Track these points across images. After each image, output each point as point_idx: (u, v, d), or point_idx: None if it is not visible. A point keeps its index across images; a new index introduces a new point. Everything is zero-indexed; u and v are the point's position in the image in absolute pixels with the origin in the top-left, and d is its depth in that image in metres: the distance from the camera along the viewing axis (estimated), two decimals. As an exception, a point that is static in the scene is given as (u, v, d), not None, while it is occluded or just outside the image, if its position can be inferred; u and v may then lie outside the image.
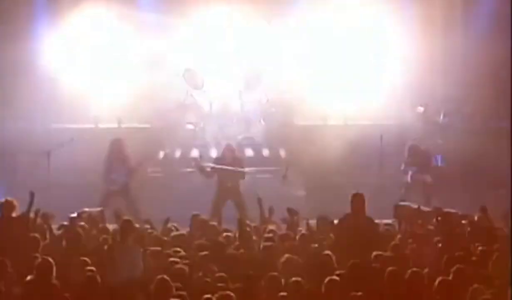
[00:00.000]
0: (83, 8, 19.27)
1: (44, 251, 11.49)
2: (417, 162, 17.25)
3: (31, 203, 12.66)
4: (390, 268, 9.96)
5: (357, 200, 12.19)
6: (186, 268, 10.59)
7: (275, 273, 10.13)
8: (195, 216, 13.76)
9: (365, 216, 12.18)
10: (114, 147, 17.12)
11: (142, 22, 19.55)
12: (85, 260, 10.96)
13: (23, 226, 12.43)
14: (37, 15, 19.12)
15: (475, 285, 9.52)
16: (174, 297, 9.48)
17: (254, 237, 12.49)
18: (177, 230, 13.07)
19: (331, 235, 12.36)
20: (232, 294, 9.18)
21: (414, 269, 9.85)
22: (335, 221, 12.45)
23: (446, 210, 13.78)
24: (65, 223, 13.35)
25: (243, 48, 19.92)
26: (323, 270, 10.22)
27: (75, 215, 13.71)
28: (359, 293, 9.29)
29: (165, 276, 9.79)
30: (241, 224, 12.54)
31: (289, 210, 13.47)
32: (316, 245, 11.84)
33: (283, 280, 10.00)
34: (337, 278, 9.77)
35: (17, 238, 12.05)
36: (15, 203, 12.61)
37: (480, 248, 11.48)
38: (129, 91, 19.23)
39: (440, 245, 11.68)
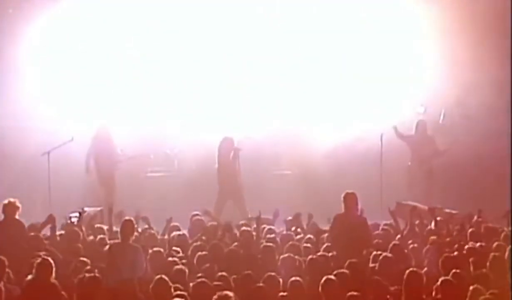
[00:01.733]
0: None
1: (45, 250, 11.51)
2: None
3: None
4: (389, 268, 9.99)
5: (349, 199, 12.28)
6: (186, 268, 10.61)
7: (274, 273, 10.17)
8: (194, 216, 13.78)
9: (357, 214, 12.27)
10: (101, 134, 17.23)
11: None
12: (84, 260, 10.98)
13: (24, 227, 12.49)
14: (27, 12, 19.04)
15: (475, 286, 9.53)
16: (173, 297, 9.50)
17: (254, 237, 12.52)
18: (178, 230, 13.09)
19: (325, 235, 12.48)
20: (230, 294, 9.16)
21: (413, 269, 9.86)
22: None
23: (446, 210, 13.80)
24: (64, 222, 13.41)
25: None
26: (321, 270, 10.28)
27: (74, 214, 13.75)
28: (356, 293, 9.31)
29: (163, 276, 9.81)
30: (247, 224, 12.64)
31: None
32: (310, 245, 11.92)
33: (281, 280, 10.04)
34: (333, 277, 9.80)
35: (20, 238, 12.09)
36: (18, 204, 12.64)
37: (479, 248, 11.50)
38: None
39: (439, 245, 11.70)
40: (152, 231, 13.00)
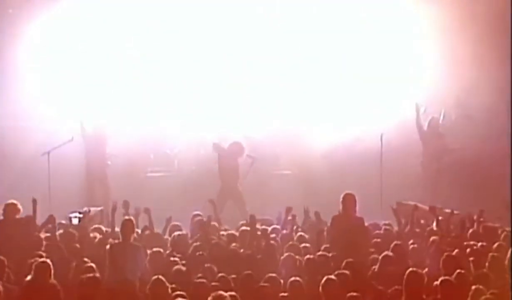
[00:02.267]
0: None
1: (46, 251, 11.51)
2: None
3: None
4: (390, 268, 9.99)
5: (348, 199, 12.27)
6: (186, 269, 10.60)
7: (274, 274, 10.17)
8: (195, 216, 13.76)
9: (354, 215, 12.26)
10: (97, 133, 17.31)
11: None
12: (84, 260, 10.98)
13: (26, 227, 12.49)
14: (27, 12, 19.02)
15: (476, 286, 9.52)
16: (172, 297, 9.48)
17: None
18: (178, 229, 13.08)
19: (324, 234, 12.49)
20: (225, 294, 9.13)
21: (414, 269, 9.85)
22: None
23: (446, 210, 13.78)
24: (63, 221, 13.41)
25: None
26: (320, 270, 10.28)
27: (74, 214, 13.76)
28: (355, 294, 9.31)
29: (160, 277, 9.79)
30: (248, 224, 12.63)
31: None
32: (308, 245, 11.93)
33: (281, 281, 10.04)
34: (334, 277, 9.80)
35: (21, 239, 12.10)
36: (20, 207, 12.65)
37: (479, 248, 11.50)
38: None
39: (440, 245, 11.69)
40: (154, 231, 12.99)
